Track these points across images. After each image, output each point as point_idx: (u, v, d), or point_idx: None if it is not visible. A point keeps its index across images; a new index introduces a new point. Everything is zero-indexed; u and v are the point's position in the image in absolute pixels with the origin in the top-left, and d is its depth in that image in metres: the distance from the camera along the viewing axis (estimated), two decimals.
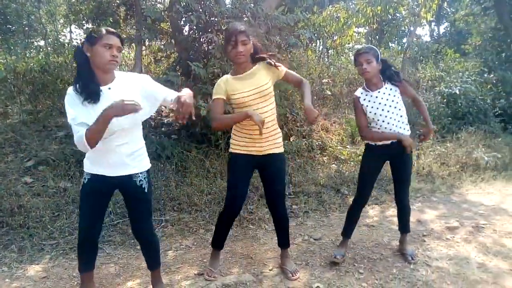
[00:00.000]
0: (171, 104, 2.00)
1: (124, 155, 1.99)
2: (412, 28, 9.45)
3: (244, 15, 4.71)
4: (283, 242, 2.68)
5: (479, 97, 7.52)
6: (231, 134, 2.50)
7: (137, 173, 2.05)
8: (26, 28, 8.02)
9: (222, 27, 4.75)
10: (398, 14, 10.51)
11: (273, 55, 2.48)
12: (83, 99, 1.84)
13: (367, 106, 2.61)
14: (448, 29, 16.67)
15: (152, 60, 7.04)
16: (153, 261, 2.29)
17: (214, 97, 2.35)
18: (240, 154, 2.43)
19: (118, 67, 1.98)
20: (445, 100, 7.54)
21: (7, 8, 7.31)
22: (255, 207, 3.88)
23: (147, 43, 6.20)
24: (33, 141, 4.71)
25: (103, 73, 1.91)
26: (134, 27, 6.10)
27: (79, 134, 1.79)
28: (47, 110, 5.73)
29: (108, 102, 1.80)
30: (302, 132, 5.95)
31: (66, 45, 7.16)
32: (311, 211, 3.95)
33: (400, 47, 12.73)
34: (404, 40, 13.48)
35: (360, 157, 3.03)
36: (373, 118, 2.61)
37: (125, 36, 6.50)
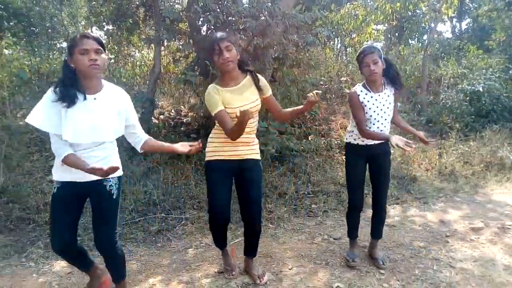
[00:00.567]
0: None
1: (95, 160, 1.93)
2: (433, 25, 9.22)
3: (262, 14, 4.69)
4: (252, 250, 2.59)
5: (504, 95, 7.32)
6: (207, 142, 2.42)
7: (108, 178, 1.99)
8: (49, 30, 8.18)
9: (240, 26, 4.76)
10: (418, 11, 10.29)
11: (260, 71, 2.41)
12: (57, 99, 1.81)
13: (365, 105, 2.55)
14: (471, 25, 16.18)
15: (171, 60, 7.12)
16: (115, 273, 2.19)
17: (215, 110, 2.21)
18: (217, 161, 2.35)
19: (103, 72, 1.94)
20: (468, 98, 7.35)
21: (30, 11, 7.48)
22: (274, 206, 3.88)
23: (165, 43, 6.28)
24: None
25: (89, 80, 1.88)
26: (153, 28, 6.18)
27: (59, 153, 1.86)
28: None
29: (90, 114, 1.85)
30: (321, 131, 5.91)
31: None
32: (330, 211, 3.92)
33: (420, 44, 12.39)
34: (425, 37, 13.13)
35: None
36: (368, 119, 2.57)
37: (144, 37, 6.63)
